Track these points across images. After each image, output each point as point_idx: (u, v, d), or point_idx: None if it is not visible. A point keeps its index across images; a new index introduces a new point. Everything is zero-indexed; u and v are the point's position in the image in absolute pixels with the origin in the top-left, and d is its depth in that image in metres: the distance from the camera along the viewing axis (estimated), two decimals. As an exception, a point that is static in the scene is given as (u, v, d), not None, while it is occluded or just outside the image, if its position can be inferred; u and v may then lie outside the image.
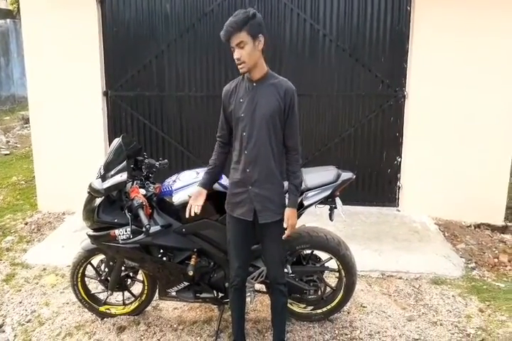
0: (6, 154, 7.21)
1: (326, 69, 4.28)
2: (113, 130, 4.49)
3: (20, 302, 2.98)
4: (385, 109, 4.30)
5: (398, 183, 4.42)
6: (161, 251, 2.40)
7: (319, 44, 4.24)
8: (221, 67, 4.34)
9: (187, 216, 2.18)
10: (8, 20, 11.12)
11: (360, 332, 2.64)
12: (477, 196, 4.11)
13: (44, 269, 3.40)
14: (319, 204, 2.42)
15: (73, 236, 3.62)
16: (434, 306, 2.90)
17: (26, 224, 4.29)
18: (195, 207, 2.18)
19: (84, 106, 4.40)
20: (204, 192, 2.23)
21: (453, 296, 3.01)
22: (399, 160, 4.39)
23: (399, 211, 4.41)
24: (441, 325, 2.71)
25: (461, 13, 3.92)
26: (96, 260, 2.68)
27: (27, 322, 2.78)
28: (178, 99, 4.47)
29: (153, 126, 4.55)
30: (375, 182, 4.47)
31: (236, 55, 1.99)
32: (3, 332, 2.69)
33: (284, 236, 2.15)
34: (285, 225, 2.11)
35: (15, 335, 2.65)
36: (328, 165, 2.61)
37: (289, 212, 2.12)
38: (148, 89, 4.48)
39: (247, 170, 2.09)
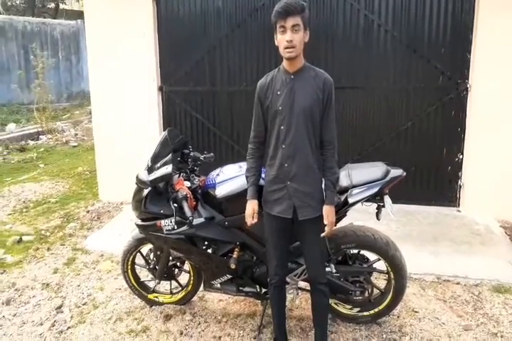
0: (74, 146, 7.72)
1: (381, 61, 4.10)
2: (167, 124, 4.63)
3: (79, 286, 3.17)
4: (445, 102, 4.04)
5: (459, 182, 4.15)
6: (206, 243, 2.43)
7: (374, 35, 4.07)
8: (271, 62, 4.29)
9: (249, 221, 2.15)
10: (79, 20, 11.87)
11: (410, 339, 2.51)
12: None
13: (101, 255, 3.60)
14: (367, 202, 2.32)
15: (129, 225, 3.75)
16: (495, 316, 2.69)
17: (88, 212, 4.56)
18: (255, 216, 2.14)
19: (140, 100, 4.58)
20: (256, 203, 2.16)
21: (517, 306, 2.77)
22: (460, 157, 4.11)
23: (459, 211, 4.14)
24: (502, 337, 2.50)
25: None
26: (145, 249, 2.78)
27: (83, 304, 2.95)
28: (230, 93, 4.51)
29: (205, 120, 4.63)
30: (434, 181, 4.23)
31: (289, 37, 1.91)
32: (62, 312, 2.87)
33: (322, 235, 2.09)
34: (325, 221, 2.05)
35: (71, 316, 2.82)
36: (383, 161, 2.48)
37: (327, 209, 2.05)
38: (201, 85, 4.56)
39: (285, 165, 2.04)
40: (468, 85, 3.96)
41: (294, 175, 2.04)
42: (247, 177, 2.20)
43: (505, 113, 3.83)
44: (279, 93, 2.03)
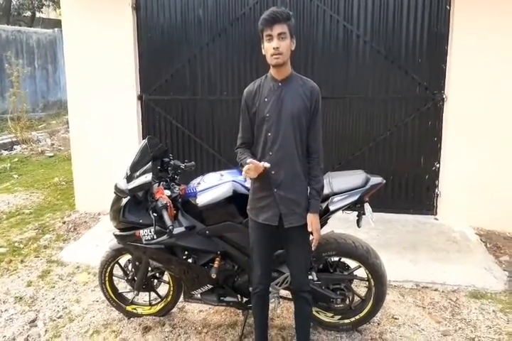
0: (50, 156, 7.55)
1: (360, 72, 4.18)
2: (147, 133, 4.58)
3: (53, 299, 3.08)
4: (422, 112, 4.14)
5: (436, 190, 4.24)
6: (186, 252, 2.40)
7: (353, 45, 4.16)
8: (252, 71, 4.34)
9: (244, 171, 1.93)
10: (56, 29, 11.74)
11: (391, 345, 2.52)
12: (523, 205, 3.87)
13: (78, 267, 3.51)
14: (347, 209, 2.34)
15: (107, 236, 3.68)
16: (472, 321, 2.73)
17: (64, 223, 4.45)
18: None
19: (119, 109, 4.54)
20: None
21: (493, 311, 2.82)
22: (437, 166, 4.20)
23: (437, 219, 4.22)
24: (479, 341, 2.54)
25: (504, 12, 3.73)
26: (124, 259, 2.72)
27: (58, 318, 2.86)
28: (210, 102, 4.51)
29: (185, 129, 4.61)
30: (412, 189, 4.30)
31: (275, 44, 1.93)
32: (36, 326, 2.78)
33: (313, 245, 2.08)
34: (309, 229, 2.05)
35: (46, 330, 2.73)
36: (362, 170, 2.51)
37: (311, 217, 2.06)
38: (181, 93, 4.55)
39: (272, 172, 2.03)
40: (444, 96, 4.06)
41: (280, 182, 2.04)
42: (240, 160, 2.08)
43: (480, 123, 3.93)
44: (266, 100, 2.03)
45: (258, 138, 2.08)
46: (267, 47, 1.97)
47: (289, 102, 2.00)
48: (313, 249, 2.11)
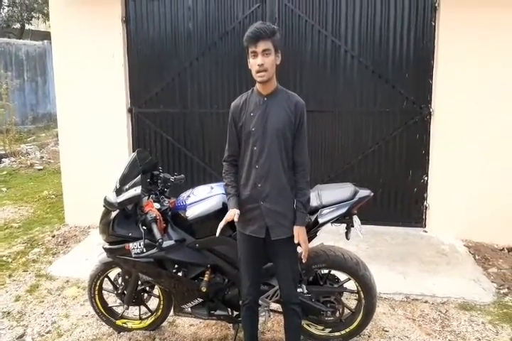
0: (39, 169, 7.48)
1: (348, 86, 4.25)
2: (137, 146, 4.59)
3: (42, 313, 3.04)
4: (410, 125, 4.21)
5: (425, 203, 4.28)
6: (176, 266, 2.40)
7: (341, 60, 4.23)
8: (242, 85, 4.38)
9: (218, 230, 2.07)
10: (45, 41, 11.75)
11: (381, 358, 2.52)
12: (511, 217, 3.91)
13: (67, 281, 3.47)
14: (336, 222, 2.36)
15: (96, 250, 3.65)
16: (461, 333, 2.74)
17: (53, 236, 4.40)
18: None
19: (109, 122, 4.54)
20: (237, 211, 2.07)
21: (482, 323, 2.84)
22: (425, 178, 4.26)
23: (426, 232, 4.25)
24: (469, 353, 2.56)
25: (488, 28, 3.84)
26: (113, 273, 2.70)
27: (47, 333, 2.82)
28: (201, 116, 4.54)
29: (175, 142, 4.63)
30: (401, 202, 4.34)
31: (260, 61, 1.96)
32: (23, 342, 2.73)
33: (303, 257, 2.10)
34: (296, 241, 2.07)
35: (34, 346, 2.69)
36: (350, 183, 2.54)
37: (297, 229, 2.08)
38: (171, 106, 4.57)
39: (258, 185, 2.07)
40: (431, 109, 4.14)
41: (266, 195, 2.07)
42: (226, 190, 2.18)
43: (467, 136, 4.00)
44: (252, 114, 2.07)
45: (245, 151, 2.11)
46: (252, 64, 2.00)
47: (274, 117, 2.04)
48: (303, 261, 2.12)
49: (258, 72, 1.98)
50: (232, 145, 2.18)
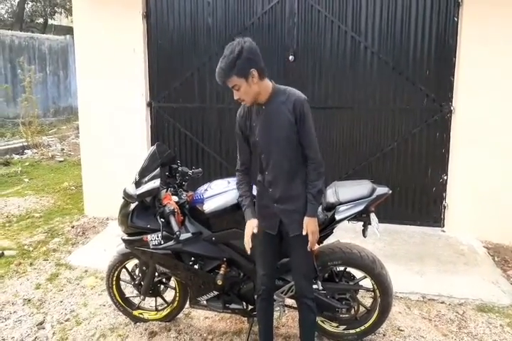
0: (60, 161, 7.63)
1: (367, 82, 4.20)
2: (156, 140, 4.62)
3: (61, 302, 3.11)
4: (430, 124, 4.14)
5: (444, 202, 4.22)
6: (192, 258, 2.42)
7: (361, 56, 4.18)
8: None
9: (247, 247, 2.18)
10: (68, 36, 11.94)
11: (395, 357, 2.51)
12: (532, 218, 3.84)
13: (86, 271, 3.54)
14: (353, 219, 2.35)
15: (115, 241, 3.71)
16: (479, 335, 2.70)
17: (73, 227, 4.49)
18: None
19: (129, 116, 4.59)
20: (256, 222, 2.18)
21: (501, 326, 2.79)
22: (445, 178, 4.19)
23: (444, 232, 4.19)
24: (485, 355, 2.52)
25: (512, 23, 3.75)
26: (131, 264, 2.74)
27: (65, 321, 2.89)
28: (219, 111, 4.55)
29: (193, 136, 4.65)
30: (419, 201, 4.29)
31: (235, 96, 2.02)
32: (43, 328, 2.81)
33: (308, 247, 2.12)
34: (304, 232, 2.08)
35: (53, 333, 2.76)
36: (368, 180, 2.52)
37: (307, 220, 2.09)
38: (190, 101, 4.60)
39: (270, 190, 2.13)
40: (452, 107, 4.06)
41: (278, 198, 2.12)
42: (241, 201, 2.24)
43: (488, 134, 3.92)
44: (254, 124, 2.10)
45: (256, 158, 2.18)
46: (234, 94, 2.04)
47: (275, 125, 2.04)
48: (308, 248, 2.12)
49: (240, 101, 2.05)
50: (243, 153, 2.23)
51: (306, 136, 2.06)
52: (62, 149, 8.57)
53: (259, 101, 2.05)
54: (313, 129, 2.07)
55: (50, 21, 16.39)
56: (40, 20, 16.25)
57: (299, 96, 2.05)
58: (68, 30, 12.07)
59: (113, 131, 4.62)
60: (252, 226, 2.15)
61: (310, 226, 2.09)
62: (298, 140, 2.06)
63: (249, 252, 2.19)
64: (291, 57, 4.27)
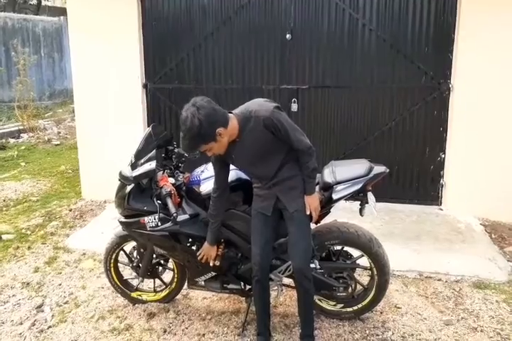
0: (56, 144, 7.59)
1: (365, 60, 4.14)
2: (152, 121, 4.57)
3: (60, 285, 3.12)
4: (428, 102, 4.10)
5: (441, 181, 4.22)
6: (190, 240, 2.42)
7: (358, 34, 4.10)
8: (257, 60, 4.32)
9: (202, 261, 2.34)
10: (62, 17, 11.68)
11: (393, 334, 2.53)
12: (529, 196, 3.84)
13: (84, 254, 3.55)
14: (350, 199, 2.34)
15: (112, 223, 3.72)
16: (475, 311, 2.73)
17: (70, 210, 4.49)
18: (210, 260, 2.35)
19: (124, 98, 4.54)
20: (214, 249, 2.34)
21: (497, 302, 2.82)
22: (442, 156, 4.18)
23: (441, 210, 4.20)
24: (481, 331, 2.54)
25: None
26: (128, 246, 2.75)
27: (64, 303, 2.91)
28: (215, 91, 4.49)
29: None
30: (417, 179, 4.29)
31: (208, 154, 2.05)
32: (42, 311, 2.83)
33: (312, 222, 2.18)
34: (308, 211, 2.13)
35: (52, 315, 2.78)
36: (365, 159, 2.50)
37: (308, 199, 2.14)
38: (186, 82, 4.54)
39: (264, 181, 2.19)
40: (450, 85, 4.01)
41: (275, 182, 2.17)
42: (210, 224, 2.30)
43: (485, 113, 3.88)
44: (233, 156, 2.09)
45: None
46: None
47: (253, 150, 2.06)
48: (313, 220, 2.22)
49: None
50: (220, 178, 2.22)
51: (288, 137, 2.04)
52: (59, 132, 8.51)
53: (230, 138, 2.02)
54: (291, 126, 2.03)
55: (43, 2, 16.01)
56: (34, 2, 15.88)
57: (264, 114, 1.97)
58: (62, 12, 11.73)
59: (109, 114, 4.56)
60: (208, 253, 2.31)
61: (312, 204, 2.15)
62: (282, 143, 2.06)
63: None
64: (288, 36, 4.18)
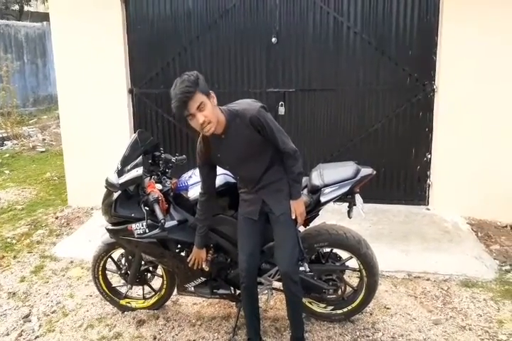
0: (41, 151, 7.48)
1: (350, 63, 4.17)
2: (138, 127, 4.53)
3: (47, 294, 3.08)
4: (413, 103, 4.14)
5: (428, 181, 4.26)
6: (178, 246, 2.41)
7: (343, 37, 4.13)
8: (243, 64, 4.32)
9: (193, 266, 2.34)
10: (45, 23, 11.55)
11: (383, 335, 2.54)
12: (513, 194, 3.90)
13: (71, 262, 3.50)
14: (338, 201, 2.35)
15: (99, 231, 3.68)
16: (463, 310, 2.76)
17: (57, 218, 4.43)
18: (201, 263, 2.34)
19: (110, 103, 4.50)
20: (204, 251, 2.33)
21: (484, 300, 2.85)
22: (428, 156, 4.22)
23: (428, 209, 4.24)
24: (470, 329, 2.57)
25: (495, 2, 3.72)
26: (116, 254, 2.72)
27: (52, 312, 2.86)
28: (202, 95, 4.48)
29: (177, 122, 4.58)
30: (404, 180, 4.32)
31: (200, 119, 1.87)
32: (30, 321, 2.78)
33: (298, 226, 2.19)
34: (293, 216, 2.14)
35: (40, 325, 2.73)
36: (352, 161, 2.52)
37: (294, 204, 2.15)
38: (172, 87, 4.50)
39: (250, 185, 2.20)
40: (434, 86, 4.06)
41: (260, 186, 2.17)
42: (197, 225, 2.29)
43: (471, 113, 3.93)
44: (219, 156, 2.09)
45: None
46: (194, 124, 1.93)
47: (238, 148, 2.05)
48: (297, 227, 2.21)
49: (204, 127, 1.90)
50: (207, 182, 2.21)
51: (273, 138, 2.05)
52: (44, 139, 8.39)
53: (216, 131, 1.98)
54: (276, 127, 2.04)
55: (26, 8, 15.83)
56: (16, 7, 15.68)
57: (249, 112, 1.98)
58: (45, 17, 11.62)
59: (94, 120, 4.52)
60: (199, 256, 2.31)
61: (298, 209, 2.15)
62: (267, 143, 2.06)
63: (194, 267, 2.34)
64: (273, 40, 4.19)
